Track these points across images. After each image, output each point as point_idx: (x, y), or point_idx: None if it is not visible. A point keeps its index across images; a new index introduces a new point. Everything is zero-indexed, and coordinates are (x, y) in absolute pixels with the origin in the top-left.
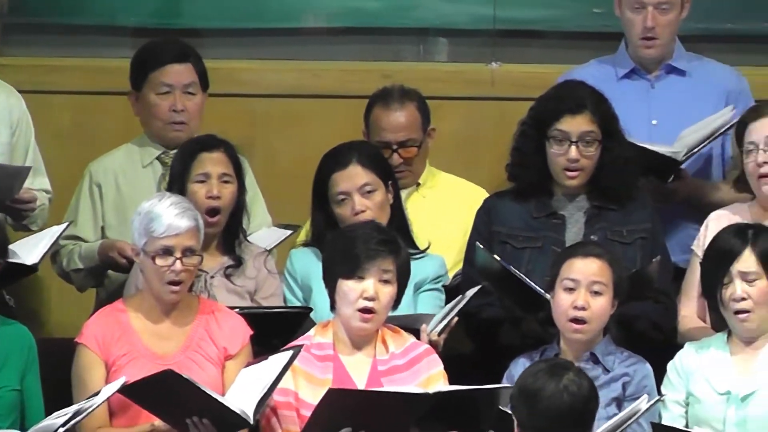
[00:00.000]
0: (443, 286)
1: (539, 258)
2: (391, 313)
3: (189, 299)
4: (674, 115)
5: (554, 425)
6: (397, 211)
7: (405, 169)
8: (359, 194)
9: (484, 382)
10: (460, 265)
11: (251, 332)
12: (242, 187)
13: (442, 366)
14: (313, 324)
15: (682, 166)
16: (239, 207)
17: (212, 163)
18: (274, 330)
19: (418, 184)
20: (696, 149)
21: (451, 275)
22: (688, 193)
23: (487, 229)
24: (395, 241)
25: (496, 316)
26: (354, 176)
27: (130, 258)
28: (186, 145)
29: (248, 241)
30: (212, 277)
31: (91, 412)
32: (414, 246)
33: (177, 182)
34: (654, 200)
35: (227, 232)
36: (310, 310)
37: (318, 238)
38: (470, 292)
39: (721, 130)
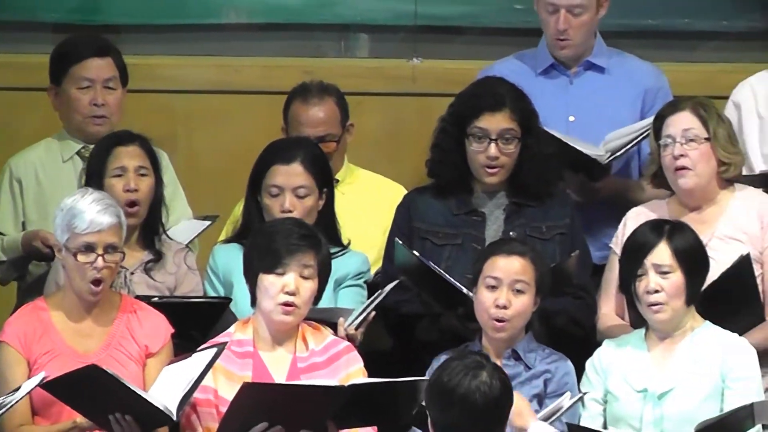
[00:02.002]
0: (365, 282)
1: (459, 255)
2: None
3: (111, 296)
4: (591, 112)
5: (466, 423)
6: (328, 214)
7: None
8: (292, 194)
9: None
10: (381, 262)
11: (172, 330)
12: (159, 181)
13: (362, 363)
14: (235, 319)
15: (609, 166)
16: (157, 201)
17: (128, 156)
18: (193, 322)
19: (337, 181)
20: (620, 152)
21: (372, 272)
22: (612, 191)
23: (407, 225)
24: (316, 236)
25: (415, 312)
26: (293, 175)
27: (53, 247)
28: (101, 141)
29: (168, 235)
30: (132, 273)
31: (11, 406)
32: (339, 244)
33: (94, 177)
34: (579, 197)
35: (146, 227)
36: (229, 300)
37: (247, 226)
38: (388, 287)
39: (644, 133)
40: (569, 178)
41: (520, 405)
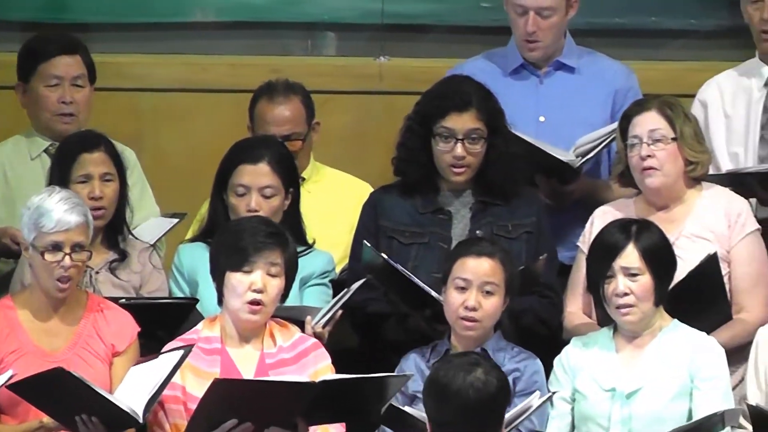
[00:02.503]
0: (330, 281)
1: (426, 254)
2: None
3: (78, 295)
4: (561, 112)
5: (461, 420)
6: (293, 214)
7: None
8: (258, 194)
9: None
10: (347, 261)
11: (139, 329)
12: (124, 183)
13: (329, 360)
14: (201, 318)
15: (580, 169)
16: (122, 202)
17: (93, 163)
18: (160, 322)
19: (303, 179)
20: (590, 155)
21: (337, 270)
22: (582, 193)
23: (374, 224)
24: (282, 234)
25: (382, 311)
26: (260, 175)
27: (21, 245)
28: (65, 146)
29: (133, 235)
30: (97, 272)
31: None
32: (304, 243)
33: (57, 184)
34: (552, 202)
35: (111, 227)
36: (196, 301)
37: (213, 225)
38: (355, 286)
39: (613, 136)
40: (542, 183)
41: None
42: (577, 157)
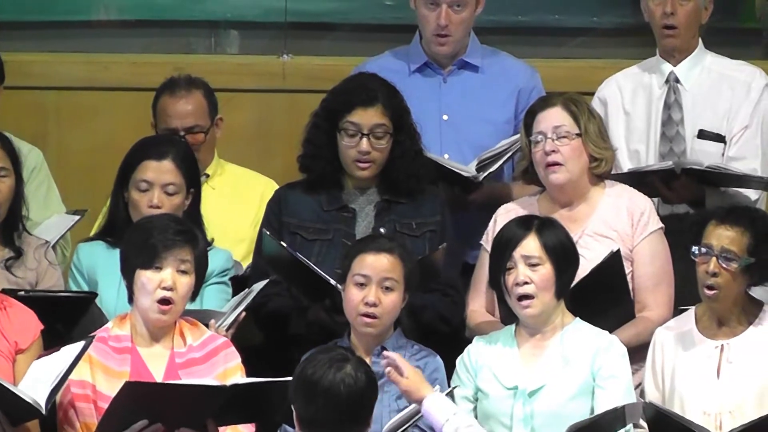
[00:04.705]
0: (231, 278)
1: (329, 250)
2: None
3: None
4: (465, 111)
5: (330, 418)
6: (193, 213)
7: None
8: (161, 190)
9: (276, 374)
10: (252, 257)
11: (42, 326)
12: (20, 179)
13: (239, 359)
14: (105, 319)
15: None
16: (17, 198)
17: None
18: (58, 315)
19: (207, 176)
20: (494, 168)
21: (244, 266)
22: (484, 199)
23: (278, 220)
24: (192, 231)
25: (284, 306)
26: (164, 171)
27: None
28: None
29: (28, 231)
30: None
31: None
32: (204, 240)
33: None
34: (452, 209)
35: (6, 224)
36: (95, 295)
37: (113, 221)
38: (257, 286)
39: (516, 148)
40: (444, 191)
41: (416, 378)
42: (479, 169)
